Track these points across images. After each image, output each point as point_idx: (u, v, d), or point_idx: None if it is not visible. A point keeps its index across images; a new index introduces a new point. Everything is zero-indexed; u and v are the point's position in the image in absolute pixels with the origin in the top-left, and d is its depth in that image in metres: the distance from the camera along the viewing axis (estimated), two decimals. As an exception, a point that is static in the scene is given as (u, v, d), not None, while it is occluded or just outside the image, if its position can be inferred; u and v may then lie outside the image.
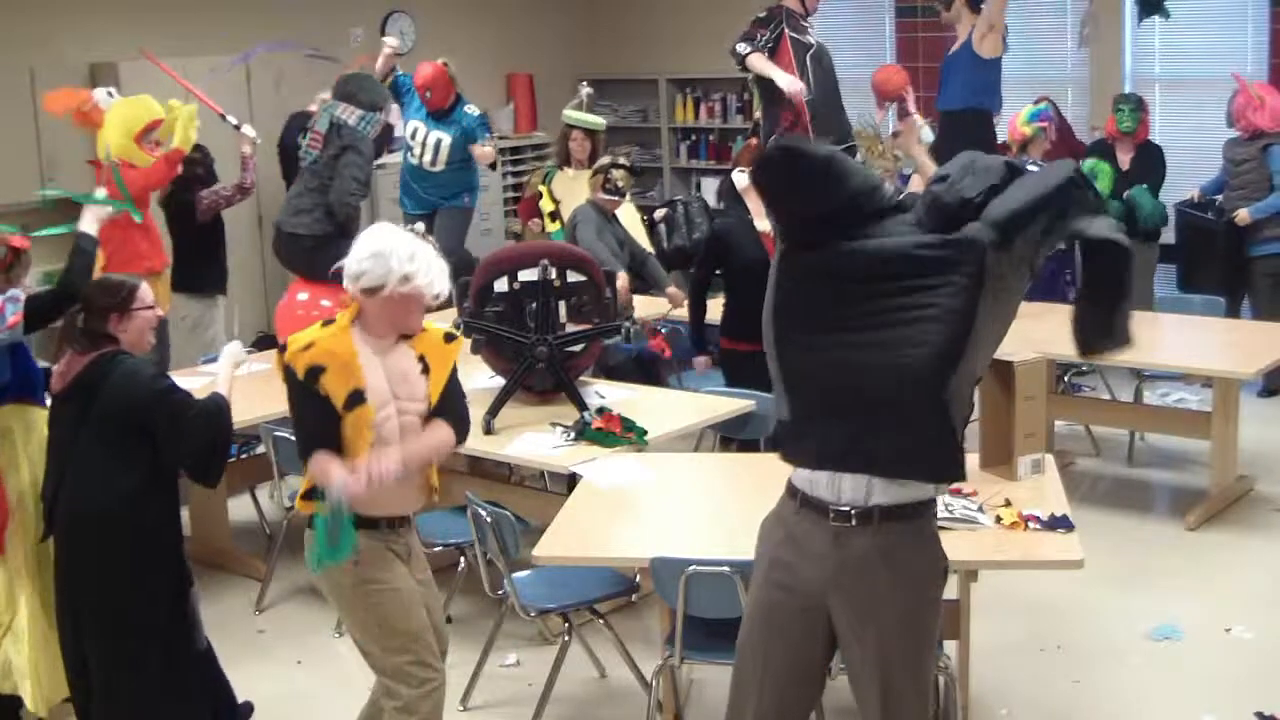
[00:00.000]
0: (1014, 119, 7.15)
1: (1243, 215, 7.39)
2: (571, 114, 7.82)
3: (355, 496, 3.43)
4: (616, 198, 6.73)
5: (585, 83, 8.10)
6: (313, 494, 3.57)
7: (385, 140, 7.50)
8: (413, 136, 7.60)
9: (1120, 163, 7.71)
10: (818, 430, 3.04)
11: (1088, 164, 7.45)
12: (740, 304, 5.79)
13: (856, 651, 3.09)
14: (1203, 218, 7.64)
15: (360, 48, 9.38)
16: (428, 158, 7.55)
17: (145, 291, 4.05)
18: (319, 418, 3.51)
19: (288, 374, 3.54)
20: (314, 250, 6.32)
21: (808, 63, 6.93)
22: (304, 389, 3.51)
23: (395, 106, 7.94)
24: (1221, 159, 7.70)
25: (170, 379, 4.07)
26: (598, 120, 7.84)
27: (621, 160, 6.90)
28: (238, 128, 6.97)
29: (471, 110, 7.59)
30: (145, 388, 3.89)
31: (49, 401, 4.15)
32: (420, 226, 3.85)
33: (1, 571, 4.38)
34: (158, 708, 3.98)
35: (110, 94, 6.57)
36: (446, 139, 7.51)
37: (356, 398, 3.51)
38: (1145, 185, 7.61)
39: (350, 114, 6.44)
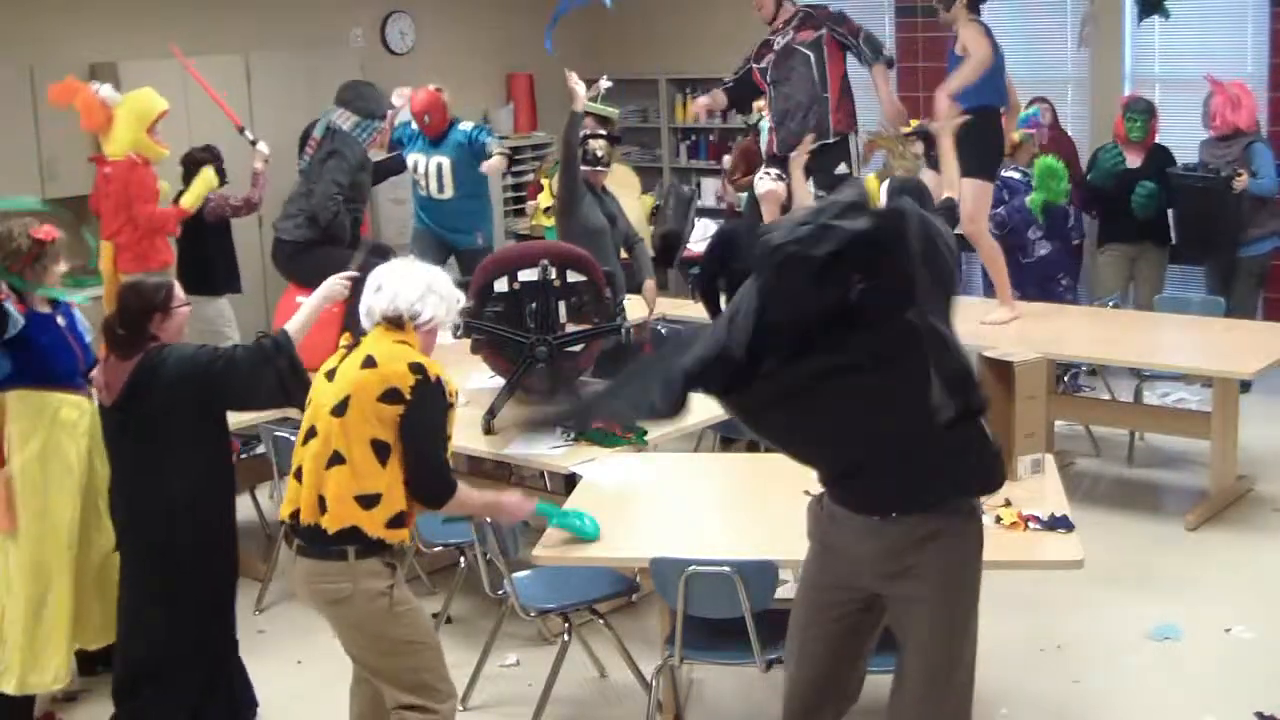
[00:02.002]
0: None
1: (1242, 180, 7.31)
2: (587, 103, 7.77)
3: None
4: (599, 168, 6.66)
5: (605, 76, 8.07)
6: (399, 520, 3.60)
7: (395, 169, 7.48)
8: (415, 169, 7.53)
9: (1129, 163, 7.70)
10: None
11: (1041, 162, 7.40)
12: None
13: (901, 628, 3.22)
14: (1199, 176, 7.51)
15: (360, 48, 9.40)
16: (434, 186, 7.44)
17: (179, 288, 4.13)
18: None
19: (438, 398, 3.56)
20: (293, 256, 6.36)
21: (769, 79, 6.98)
22: (450, 413, 3.63)
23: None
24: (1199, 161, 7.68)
25: (212, 347, 4.12)
26: (611, 109, 7.80)
27: (600, 130, 6.84)
28: (254, 143, 6.99)
29: (465, 126, 7.48)
30: (197, 364, 3.94)
31: (100, 415, 4.17)
32: (412, 258, 3.96)
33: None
34: (206, 697, 4.10)
35: (112, 89, 6.59)
36: (446, 162, 7.41)
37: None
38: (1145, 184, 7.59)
39: (345, 119, 6.47)
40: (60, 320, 4.50)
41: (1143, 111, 7.66)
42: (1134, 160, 7.69)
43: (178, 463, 3.97)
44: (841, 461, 3.14)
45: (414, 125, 7.46)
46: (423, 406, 3.52)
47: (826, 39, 6.82)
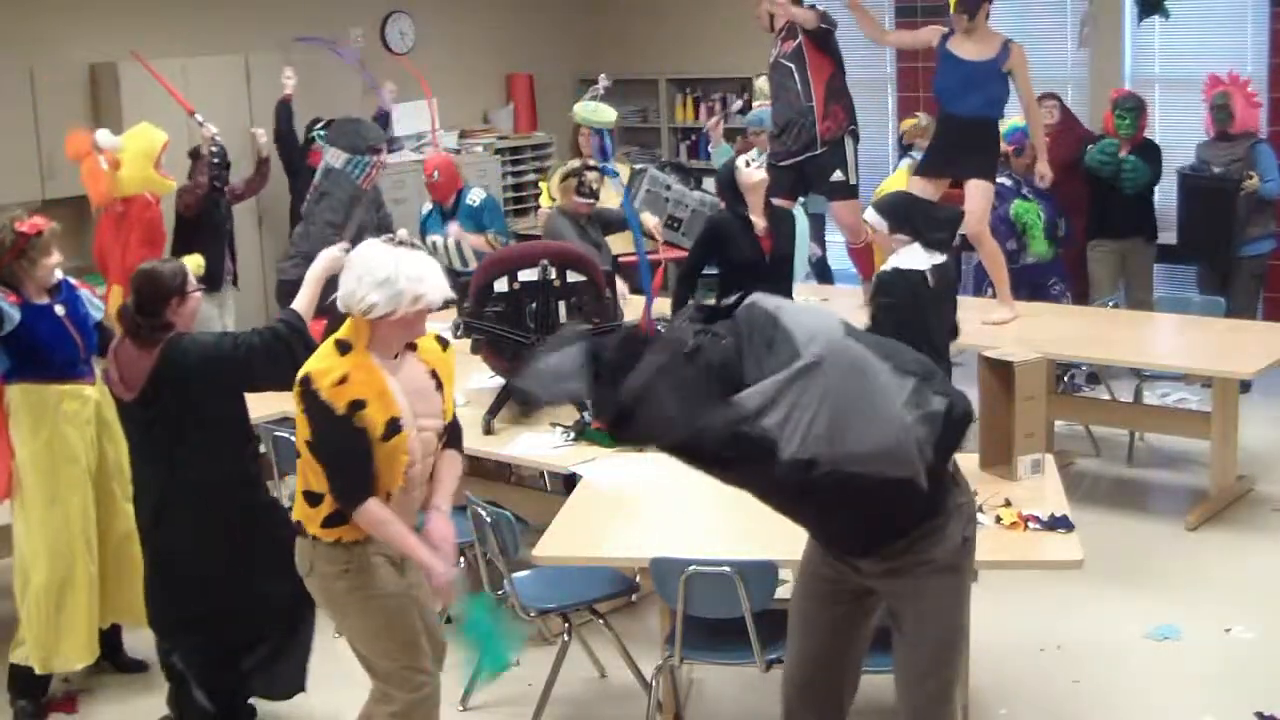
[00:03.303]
0: None
1: (1253, 181, 7.29)
2: (580, 111, 7.75)
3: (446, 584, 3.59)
4: (591, 200, 6.68)
5: (604, 75, 8.04)
6: (335, 519, 3.53)
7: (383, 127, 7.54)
8: (435, 249, 7.47)
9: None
10: None
11: (1016, 206, 7.33)
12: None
13: (893, 619, 3.25)
14: (1207, 176, 7.49)
15: (360, 48, 9.40)
16: (456, 262, 7.39)
17: (191, 273, 4.14)
18: (361, 453, 3.43)
19: (319, 410, 3.40)
20: (293, 295, 6.37)
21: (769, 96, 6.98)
22: (344, 424, 3.39)
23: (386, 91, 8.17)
24: (1196, 162, 7.66)
25: (232, 334, 4.16)
26: (609, 112, 7.78)
27: (591, 162, 6.87)
28: (201, 125, 6.97)
29: (473, 200, 7.44)
30: (220, 351, 3.96)
31: (119, 411, 4.17)
32: (404, 232, 3.89)
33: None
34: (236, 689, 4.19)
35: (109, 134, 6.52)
36: (463, 238, 7.44)
37: (394, 427, 3.44)
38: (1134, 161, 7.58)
39: (337, 158, 6.56)
40: (59, 309, 4.48)
41: (1131, 109, 7.65)
42: (1123, 153, 7.71)
43: (204, 455, 3.97)
44: (795, 523, 3.26)
45: (430, 205, 7.51)
46: (309, 417, 3.44)
47: (805, 43, 6.64)
